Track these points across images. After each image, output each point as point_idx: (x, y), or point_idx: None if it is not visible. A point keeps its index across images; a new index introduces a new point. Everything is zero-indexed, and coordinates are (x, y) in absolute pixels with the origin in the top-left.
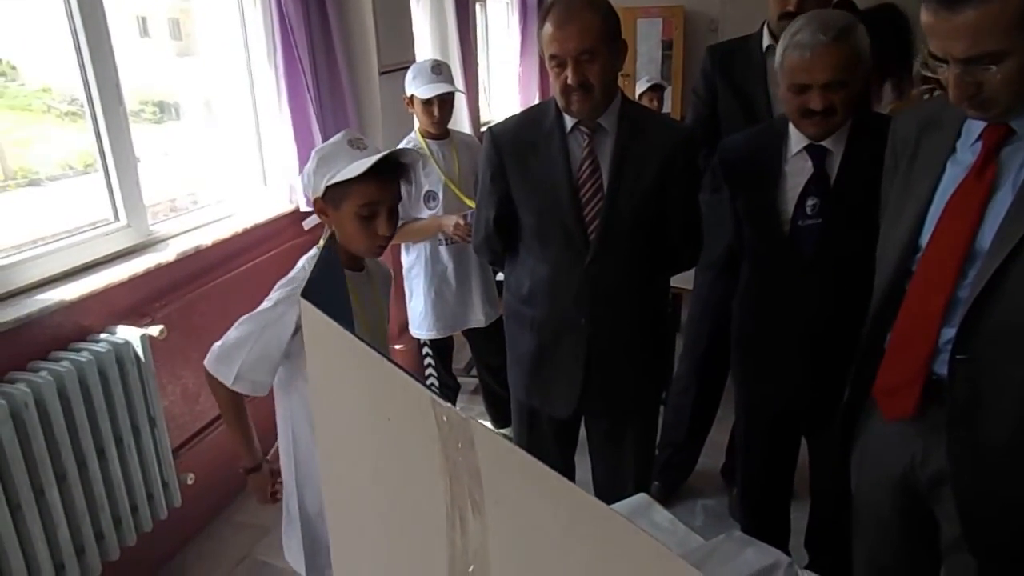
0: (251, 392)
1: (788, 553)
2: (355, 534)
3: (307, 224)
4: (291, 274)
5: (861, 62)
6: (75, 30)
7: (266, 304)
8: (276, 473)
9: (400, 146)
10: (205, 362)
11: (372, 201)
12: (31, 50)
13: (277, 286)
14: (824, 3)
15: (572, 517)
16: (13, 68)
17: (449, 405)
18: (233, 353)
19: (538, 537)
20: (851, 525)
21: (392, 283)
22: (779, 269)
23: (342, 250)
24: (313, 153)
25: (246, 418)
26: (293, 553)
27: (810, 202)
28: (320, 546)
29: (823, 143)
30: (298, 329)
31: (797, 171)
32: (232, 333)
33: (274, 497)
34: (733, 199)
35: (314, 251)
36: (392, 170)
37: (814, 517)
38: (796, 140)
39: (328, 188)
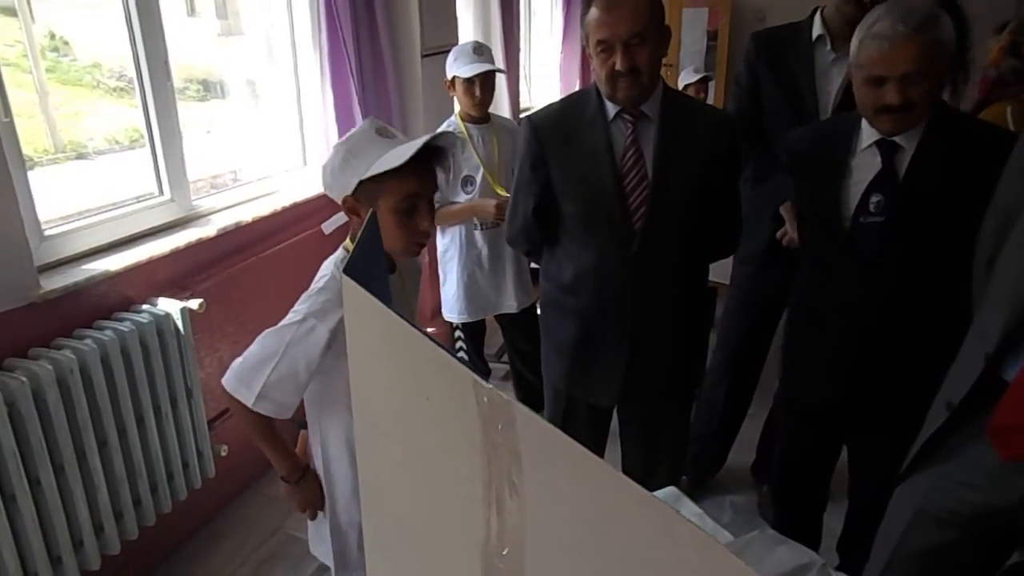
0: (274, 414)
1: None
2: (389, 513)
3: (327, 228)
4: (318, 284)
5: (943, 55)
6: (128, 7)
7: (292, 317)
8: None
9: (440, 129)
10: (224, 380)
11: (412, 194)
12: (84, 26)
13: (303, 298)
14: None
15: (612, 501)
16: (66, 43)
17: (491, 386)
18: (255, 371)
19: (576, 520)
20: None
21: (421, 275)
22: (838, 266)
23: None
24: (336, 148)
25: (276, 433)
26: (322, 554)
27: (874, 199)
28: (350, 556)
29: (896, 138)
30: (331, 344)
31: (864, 166)
32: (254, 348)
33: (313, 516)
34: (797, 192)
35: (340, 253)
36: (429, 158)
37: (850, 522)
38: (867, 135)
39: (361, 183)
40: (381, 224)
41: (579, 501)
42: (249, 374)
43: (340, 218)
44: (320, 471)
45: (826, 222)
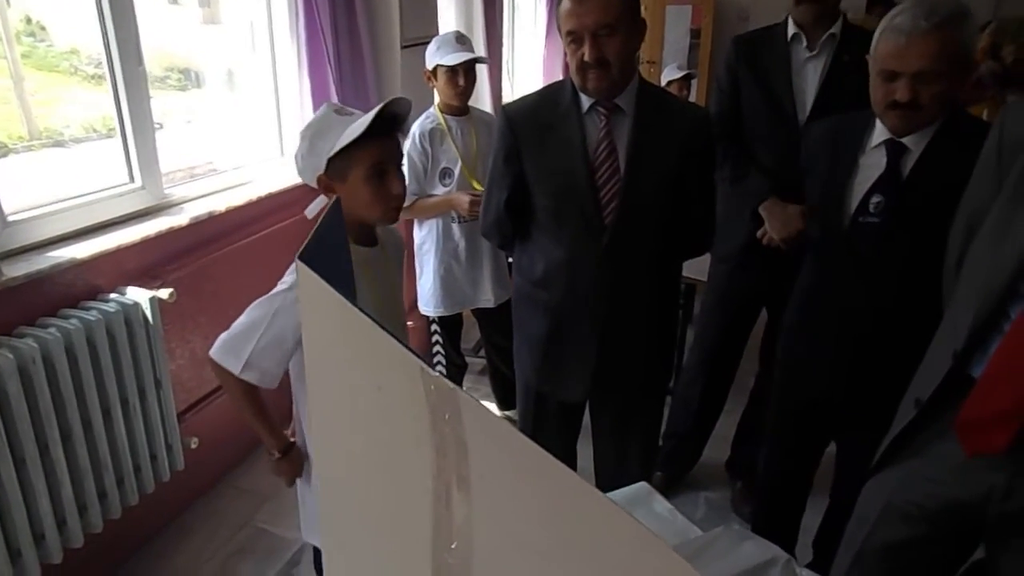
0: (259, 382)
1: (794, 551)
2: (343, 505)
3: (310, 212)
4: None
5: (962, 56)
6: None
7: (279, 287)
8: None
9: (419, 120)
10: (211, 352)
11: (378, 161)
12: (60, 11)
13: (291, 269)
14: None
15: (555, 495)
16: (43, 28)
17: (437, 374)
18: (242, 340)
19: (521, 514)
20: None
21: (404, 251)
22: (834, 263)
23: (352, 225)
24: (301, 134)
25: (263, 406)
26: (312, 534)
27: (874, 199)
28: None
29: (903, 140)
30: None
31: (871, 165)
32: (242, 319)
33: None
34: (808, 186)
35: None
36: (389, 127)
37: (829, 518)
38: (879, 133)
39: (330, 162)
40: (356, 195)
41: (524, 494)
42: (236, 342)
43: (321, 201)
44: (306, 445)
45: (828, 217)
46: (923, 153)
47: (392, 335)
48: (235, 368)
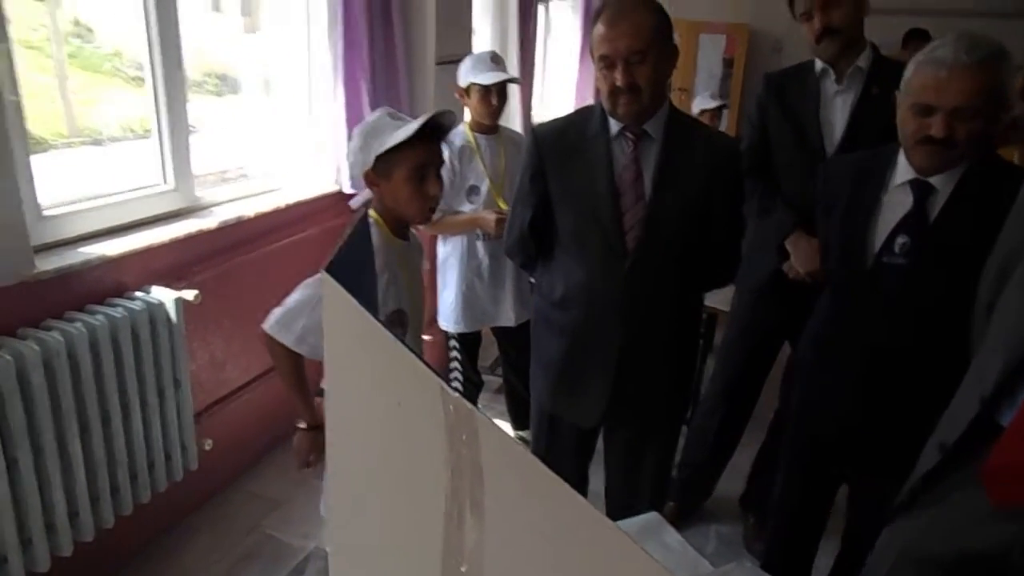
0: (310, 355)
1: None
2: (355, 517)
3: (355, 203)
4: None
5: (1000, 95)
6: None
7: None
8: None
9: (448, 137)
10: (264, 326)
11: (421, 163)
12: (108, 14)
13: None
14: (858, 22)
15: (568, 525)
16: (90, 31)
17: (456, 394)
18: (294, 315)
19: (532, 540)
20: None
21: (423, 257)
22: (860, 303)
23: (391, 220)
24: (355, 132)
25: (305, 379)
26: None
27: (900, 240)
28: None
29: (930, 179)
30: None
31: (895, 204)
32: (294, 295)
33: (309, 464)
34: (826, 221)
35: (373, 216)
36: (433, 135)
37: (841, 562)
38: (903, 171)
39: (378, 159)
40: (397, 193)
41: (538, 521)
42: (289, 318)
43: (367, 194)
44: None
45: (850, 256)
46: (952, 195)
47: (414, 352)
48: (288, 341)
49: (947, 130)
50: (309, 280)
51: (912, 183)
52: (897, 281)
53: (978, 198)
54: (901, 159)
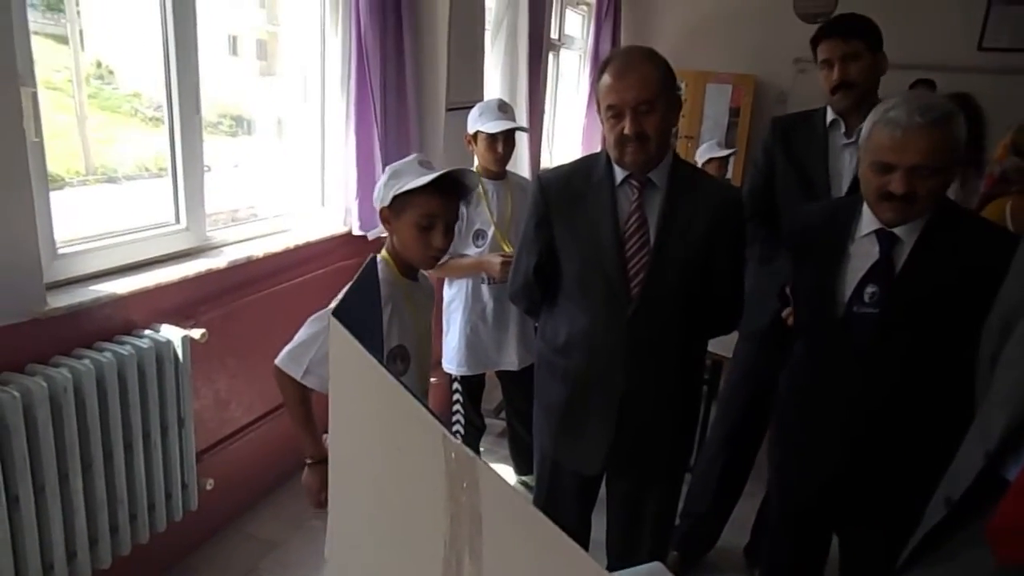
0: (319, 388)
1: None
2: (354, 561)
3: (372, 234)
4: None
5: (954, 153)
6: (167, 40)
7: (335, 303)
8: None
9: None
10: (276, 361)
11: (431, 213)
12: (128, 56)
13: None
14: (874, 79)
15: (566, 574)
16: (111, 72)
17: (458, 442)
18: (303, 349)
19: None
20: None
21: (434, 296)
22: (829, 354)
23: (399, 260)
24: (386, 169)
25: (312, 414)
26: None
27: (869, 289)
28: None
29: (895, 230)
30: None
31: (862, 254)
32: (302, 331)
33: (322, 504)
34: (795, 271)
35: (384, 254)
36: (454, 190)
37: None
38: (868, 221)
39: (394, 198)
40: (403, 234)
41: (537, 572)
42: (298, 352)
43: (381, 229)
44: None
45: (820, 307)
46: (916, 244)
47: (418, 398)
48: (296, 374)
49: (907, 186)
50: (318, 314)
51: (878, 233)
52: (870, 330)
53: (941, 246)
54: (865, 210)
